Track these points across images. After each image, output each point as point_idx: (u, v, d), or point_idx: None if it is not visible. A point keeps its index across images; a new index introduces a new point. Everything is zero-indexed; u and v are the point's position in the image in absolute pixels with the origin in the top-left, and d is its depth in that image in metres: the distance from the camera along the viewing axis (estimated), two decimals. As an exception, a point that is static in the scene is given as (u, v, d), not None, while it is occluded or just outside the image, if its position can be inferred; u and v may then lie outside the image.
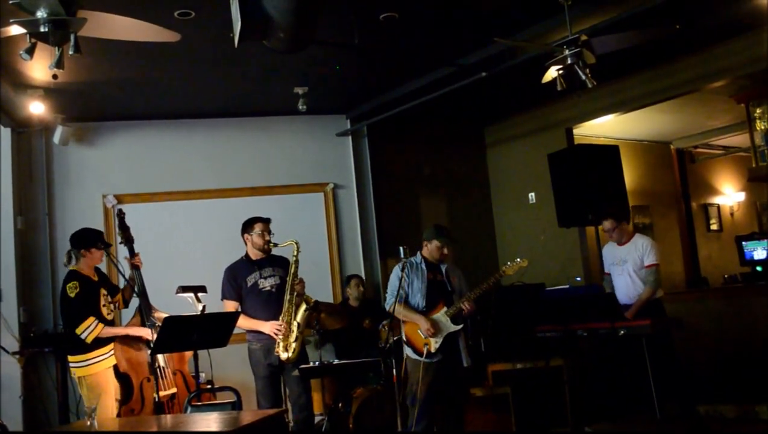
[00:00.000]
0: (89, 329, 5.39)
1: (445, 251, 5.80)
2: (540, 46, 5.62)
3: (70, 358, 5.59)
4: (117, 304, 5.85)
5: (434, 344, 5.61)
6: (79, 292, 5.46)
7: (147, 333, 5.61)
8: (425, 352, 5.58)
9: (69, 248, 5.67)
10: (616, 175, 7.50)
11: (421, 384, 5.56)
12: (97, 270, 5.78)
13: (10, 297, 7.10)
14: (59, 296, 5.73)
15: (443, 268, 5.85)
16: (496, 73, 6.59)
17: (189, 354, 5.99)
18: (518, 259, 5.61)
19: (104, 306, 5.62)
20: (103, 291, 5.69)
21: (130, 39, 4.33)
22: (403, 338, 5.75)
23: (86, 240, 5.63)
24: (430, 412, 5.70)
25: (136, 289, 5.80)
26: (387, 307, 5.97)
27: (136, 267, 5.87)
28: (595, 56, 5.02)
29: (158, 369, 5.63)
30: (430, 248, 5.83)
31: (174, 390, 5.87)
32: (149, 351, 5.61)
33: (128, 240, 6.02)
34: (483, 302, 6.02)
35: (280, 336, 5.71)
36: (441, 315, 5.67)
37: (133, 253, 5.95)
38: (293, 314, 5.78)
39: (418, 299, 5.74)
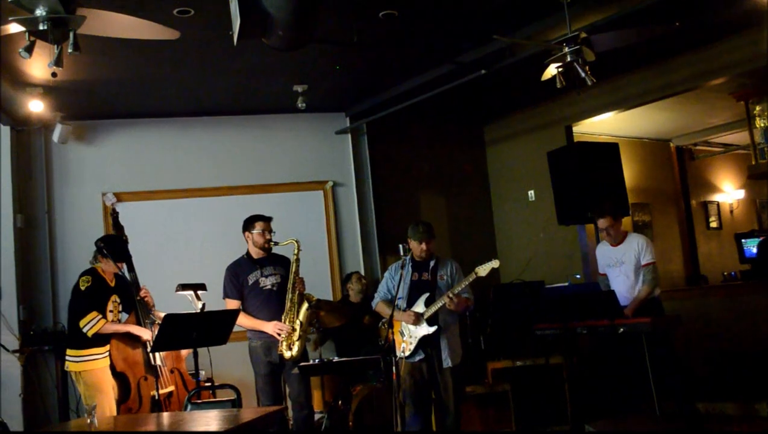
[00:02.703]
0: (91, 323, 5.45)
1: (424, 247, 5.77)
2: (539, 44, 5.62)
3: (68, 352, 5.66)
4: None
5: (409, 346, 5.62)
6: (90, 286, 5.57)
7: (147, 334, 5.64)
8: (401, 352, 5.59)
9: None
10: (616, 173, 7.50)
11: (406, 384, 5.59)
12: (120, 279, 5.84)
13: (10, 296, 7.08)
14: (70, 290, 5.77)
15: (431, 265, 5.84)
16: (495, 70, 6.58)
17: (186, 352, 6.01)
18: (492, 260, 5.56)
19: (111, 311, 5.67)
20: (115, 298, 5.76)
21: (129, 37, 4.33)
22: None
23: (99, 248, 5.75)
24: (424, 412, 5.71)
25: (138, 308, 5.82)
26: (373, 306, 5.99)
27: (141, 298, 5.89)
28: (594, 54, 5.02)
29: (156, 368, 5.65)
30: (412, 246, 5.83)
31: (171, 388, 5.89)
32: (147, 350, 5.66)
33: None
34: (482, 300, 6.02)
35: (283, 335, 5.73)
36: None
37: (131, 267, 5.96)
38: (296, 313, 5.80)
39: (400, 301, 5.73)
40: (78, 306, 5.59)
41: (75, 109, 7.32)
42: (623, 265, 6.27)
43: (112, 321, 5.68)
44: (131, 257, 5.94)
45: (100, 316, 5.51)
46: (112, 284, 5.78)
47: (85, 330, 5.47)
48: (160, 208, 7.82)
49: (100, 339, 5.57)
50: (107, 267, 5.75)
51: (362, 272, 8.05)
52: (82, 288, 5.56)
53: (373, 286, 7.88)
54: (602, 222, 6.35)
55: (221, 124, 8.14)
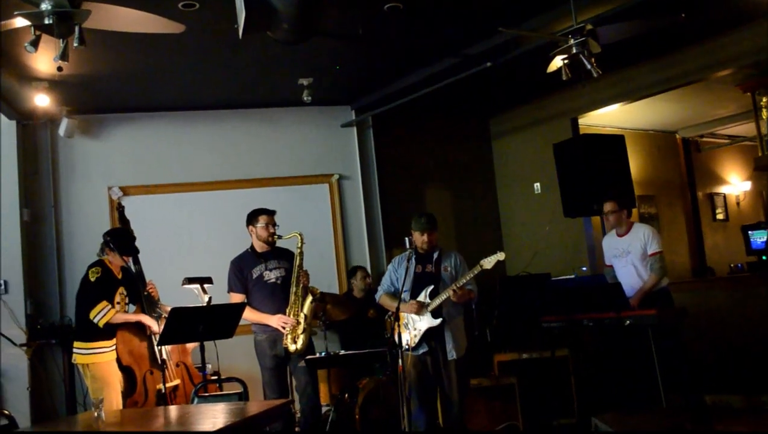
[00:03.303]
0: (102, 313, 5.48)
1: (426, 238, 5.73)
2: (545, 36, 5.60)
3: (75, 344, 5.69)
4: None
5: (414, 338, 5.61)
6: (99, 277, 5.60)
7: (156, 325, 5.65)
8: (405, 344, 5.57)
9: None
10: (622, 165, 7.48)
11: (411, 376, 5.57)
12: (126, 271, 5.85)
13: (17, 289, 7.12)
14: (79, 282, 5.80)
15: (434, 257, 5.82)
16: (501, 63, 6.58)
17: (192, 345, 6.03)
18: (497, 252, 5.55)
19: (118, 303, 5.70)
20: (122, 290, 5.78)
21: (134, 31, 4.34)
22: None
23: (105, 241, 5.75)
24: (429, 404, 5.70)
25: (143, 301, 5.84)
26: (377, 299, 5.99)
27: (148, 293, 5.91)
28: (600, 45, 5.00)
29: (162, 361, 5.67)
30: (415, 237, 5.82)
31: (177, 381, 5.90)
32: (154, 344, 5.67)
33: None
34: (489, 293, 6.00)
35: (288, 328, 5.73)
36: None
37: (136, 260, 5.98)
38: (300, 306, 5.80)
39: (404, 294, 5.70)
40: (87, 296, 5.60)
41: (81, 103, 7.33)
42: (629, 255, 6.27)
43: (119, 311, 5.70)
44: (138, 251, 5.94)
45: (110, 307, 5.54)
46: (119, 276, 5.80)
47: (96, 320, 5.49)
48: (166, 201, 7.83)
49: (108, 332, 5.58)
50: (114, 260, 5.77)
51: (368, 265, 8.07)
52: (92, 278, 5.57)
53: (377, 281, 7.91)
54: (606, 206, 6.40)
55: (227, 117, 8.14)
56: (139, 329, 5.76)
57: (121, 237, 5.83)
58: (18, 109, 7.09)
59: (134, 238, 5.96)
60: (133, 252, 5.88)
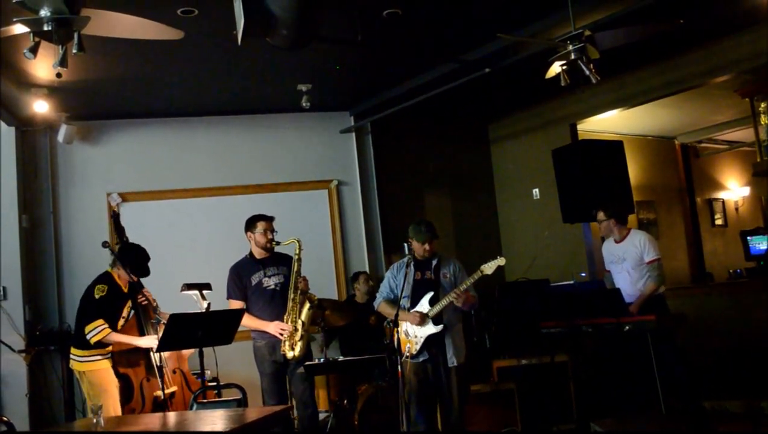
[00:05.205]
0: (96, 330, 5.43)
1: (427, 247, 5.69)
2: (543, 42, 5.61)
3: (72, 351, 5.67)
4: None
5: (414, 346, 5.59)
6: (104, 296, 5.53)
7: (153, 342, 5.58)
8: (406, 352, 5.56)
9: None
10: (621, 171, 7.49)
11: (411, 383, 5.55)
12: (132, 285, 5.79)
13: (16, 296, 7.11)
14: (77, 287, 5.76)
15: (433, 264, 5.79)
16: (499, 68, 6.58)
17: (188, 352, 6.00)
18: (498, 258, 5.54)
19: (124, 317, 5.68)
20: (128, 304, 5.74)
21: (133, 37, 4.33)
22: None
23: (118, 256, 5.68)
24: (428, 411, 5.68)
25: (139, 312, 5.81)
26: (375, 307, 5.96)
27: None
28: (598, 51, 5.01)
29: (158, 368, 5.64)
30: (414, 246, 5.79)
31: (174, 388, 5.88)
32: (152, 352, 5.64)
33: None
34: (487, 299, 5.99)
35: (285, 335, 5.72)
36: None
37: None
38: (298, 313, 5.79)
39: (404, 301, 5.66)
40: (87, 310, 5.56)
41: (80, 110, 7.34)
42: (625, 262, 6.29)
43: (123, 325, 5.68)
44: (149, 272, 5.78)
45: (106, 325, 5.47)
46: (126, 290, 5.75)
47: (89, 336, 5.45)
48: (165, 207, 7.84)
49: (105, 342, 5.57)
50: (122, 275, 5.72)
51: (367, 270, 8.05)
52: (96, 296, 5.52)
53: (378, 286, 7.89)
54: (598, 215, 6.44)
55: (226, 123, 8.15)
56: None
57: (135, 256, 5.73)
58: (17, 115, 7.09)
59: (148, 258, 5.77)
60: (145, 273, 5.80)
